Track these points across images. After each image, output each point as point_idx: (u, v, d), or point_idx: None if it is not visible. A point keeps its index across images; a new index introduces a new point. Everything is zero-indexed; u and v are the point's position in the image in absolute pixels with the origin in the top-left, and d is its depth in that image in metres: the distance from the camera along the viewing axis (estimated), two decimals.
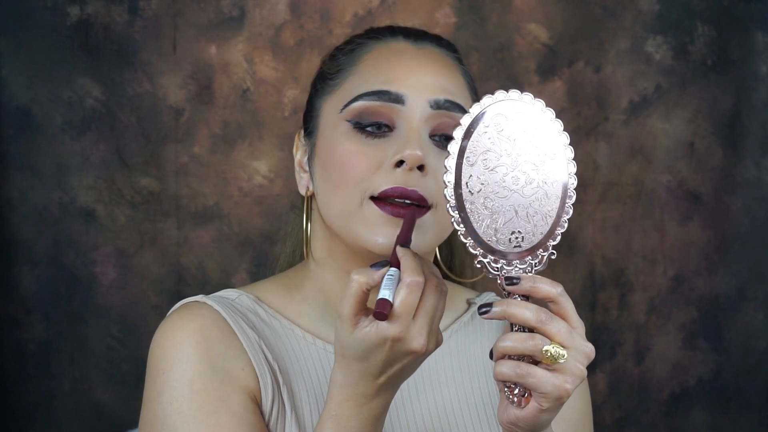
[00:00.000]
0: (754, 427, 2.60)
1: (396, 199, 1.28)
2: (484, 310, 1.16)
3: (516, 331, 1.15)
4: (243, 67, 2.48)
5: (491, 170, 1.17)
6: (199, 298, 1.36)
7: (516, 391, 1.16)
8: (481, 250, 1.17)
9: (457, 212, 1.17)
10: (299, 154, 1.40)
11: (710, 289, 2.58)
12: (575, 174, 1.18)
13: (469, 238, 1.17)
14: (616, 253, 2.56)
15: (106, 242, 2.48)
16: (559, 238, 1.18)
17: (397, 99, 1.30)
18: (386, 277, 1.15)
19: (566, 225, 1.18)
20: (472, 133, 1.17)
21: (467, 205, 1.17)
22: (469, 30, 2.51)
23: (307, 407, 1.33)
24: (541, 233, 1.17)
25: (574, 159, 1.18)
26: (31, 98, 2.44)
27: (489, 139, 1.17)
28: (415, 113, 1.30)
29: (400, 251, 1.17)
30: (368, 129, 1.30)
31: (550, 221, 1.17)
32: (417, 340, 1.16)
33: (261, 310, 1.38)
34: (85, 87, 2.46)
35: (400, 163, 1.28)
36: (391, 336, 1.15)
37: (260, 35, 2.48)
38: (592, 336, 2.54)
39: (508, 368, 1.14)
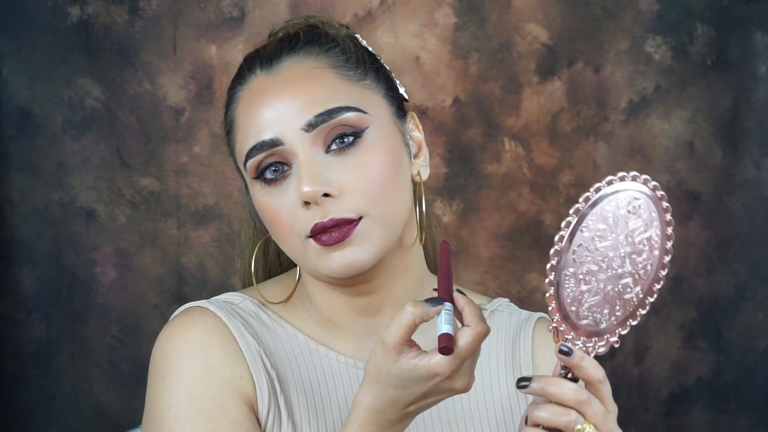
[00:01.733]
0: (754, 427, 2.61)
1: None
2: (522, 384, 1.17)
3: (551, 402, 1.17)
4: None
5: (596, 250, 1.16)
6: (202, 303, 1.36)
7: None
8: (558, 316, 1.17)
9: (553, 274, 1.17)
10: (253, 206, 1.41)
11: (710, 289, 2.58)
12: (665, 274, 1.18)
13: (554, 302, 1.17)
14: None
15: (106, 242, 2.48)
16: (627, 330, 1.18)
17: (274, 143, 1.28)
18: (444, 312, 1.16)
19: (638, 320, 1.18)
20: (597, 204, 1.16)
21: (564, 272, 1.16)
22: (469, 30, 2.51)
23: (305, 415, 1.33)
24: (615, 320, 1.18)
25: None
26: (31, 98, 2.45)
27: (610, 216, 1.16)
28: (296, 147, 1.28)
29: (462, 298, 1.18)
30: (270, 177, 1.30)
31: (627, 311, 1.18)
32: (462, 379, 1.17)
33: (265, 315, 1.38)
34: (85, 87, 2.46)
35: (307, 201, 1.28)
36: (442, 372, 1.15)
37: (260, 35, 2.48)
38: None
39: None
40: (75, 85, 2.45)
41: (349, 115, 1.29)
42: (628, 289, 1.17)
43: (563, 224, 1.16)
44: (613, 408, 1.17)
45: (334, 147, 1.29)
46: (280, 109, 1.29)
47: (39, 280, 2.47)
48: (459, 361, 1.15)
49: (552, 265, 1.16)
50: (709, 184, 2.56)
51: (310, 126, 1.28)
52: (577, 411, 1.15)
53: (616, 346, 1.18)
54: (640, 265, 1.17)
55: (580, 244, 1.16)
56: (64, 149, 2.46)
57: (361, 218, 1.28)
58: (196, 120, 2.48)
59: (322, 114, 1.28)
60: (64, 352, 2.48)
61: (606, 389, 1.16)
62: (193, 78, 2.48)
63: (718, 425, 2.60)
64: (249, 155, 1.30)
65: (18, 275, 2.46)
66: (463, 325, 1.16)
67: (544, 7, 2.51)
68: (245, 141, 1.31)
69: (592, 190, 1.15)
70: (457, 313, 1.17)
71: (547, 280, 1.17)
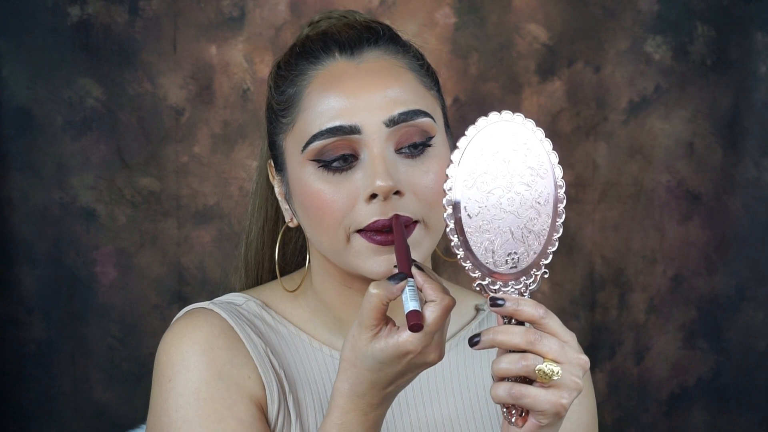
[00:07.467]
0: (753, 427, 2.61)
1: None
2: (474, 341, 1.17)
3: (510, 351, 1.16)
4: (243, 67, 2.48)
5: (488, 193, 1.18)
6: (206, 304, 1.36)
7: (514, 411, 1.17)
8: (479, 273, 1.18)
9: (456, 236, 1.18)
10: (276, 186, 1.38)
11: (710, 289, 2.58)
12: (564, 191, 1.19)
13: (468, 262, 1.18)
14: (616, 252, 2.56)
15: (106, 242, 2.48)
16: (551, 257, 1.19)
17: (352, 130, 1.27)
18: (408, 288, 1.16)
19: (557, 244, 1.19)
20: (469, 156, 1.18)
21: (466, 229, 1.18)
22: (469, 30, 2.51)
23: (312, 415, 1.33)
24: (534, 253, 1.19)
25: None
26: (31, 98, 2.45)
27: (485, 161, 1.18)
28: (374, 139, 1.27)
29: (420, 275, 1.18)
30: (334, 165, 1.28)
31: (543, 240, 1.19)
32: (435, 353, 1.18)
33: (268, 316, 1.38)
34: (85, 87, 2.46)
35: (374, 195, 1.26)
36: (413, 349, 1.16)
37: (260, 35, 2.48)
38: (591, 336, 2.55)
39: (503, 391, 1.16)
40: (75, 85, 2.45)
41: (425, 121, 1.29)
42: (534, 220, 1.19)
43: (445, 186, 1.18)
44: (569, 337, 1.17)
45: (405, 150, 1.29)
46: (365, 99, 1.28)
47: (39, 280, 2.47)
48: (429, 336, 1.16)
49: (451, 229, 1.18)
50: (709, 184, 2.56)
51: (392, 122, 1.28)
52: (532, 352, 1.15)
53: (546, 276, 1.19)
54: (536, 193, 1.18)
55: (469, 199, 1.18)
56: (64, 149, 2.46)
57: (416, 222, 1.27)
58: (196, 120, 2.48)
59: (404, 113, 1.28)
60: (64, 352, 2.48)
61: (553, 322, 1.16)
62: (193, 78, 2.48)
63: (718, 425, 2.60)
64: (317, 137, 1.28)
65: (18, 275, 2.46)
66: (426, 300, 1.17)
67: (544, 7, 2.51)
68: (315, 121, 1.29)
69: (457, 145, 1.18)
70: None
71: (452, 244, 1.18)
